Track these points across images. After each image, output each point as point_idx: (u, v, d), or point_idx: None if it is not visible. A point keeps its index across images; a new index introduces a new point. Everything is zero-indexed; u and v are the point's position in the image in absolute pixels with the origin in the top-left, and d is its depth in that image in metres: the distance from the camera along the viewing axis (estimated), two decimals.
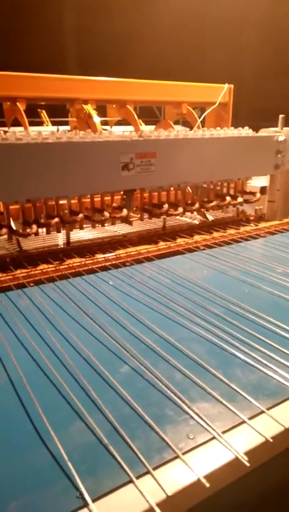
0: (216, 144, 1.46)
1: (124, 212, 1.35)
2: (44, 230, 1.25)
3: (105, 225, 1.37)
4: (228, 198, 1.59)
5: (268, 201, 1.74)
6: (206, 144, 1.44)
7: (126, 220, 1.39)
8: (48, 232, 1.26)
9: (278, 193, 1.72)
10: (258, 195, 1.65)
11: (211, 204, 1.56)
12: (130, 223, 1.42)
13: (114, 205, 1.36)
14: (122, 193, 1.36)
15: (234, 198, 1.61)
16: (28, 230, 1.20)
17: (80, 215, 1.28)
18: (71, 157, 1.17)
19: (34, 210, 1.22)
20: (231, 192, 1.63)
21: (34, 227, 1.20)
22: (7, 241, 1.27)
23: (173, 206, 1.46)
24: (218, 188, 1.61)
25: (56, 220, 1.24)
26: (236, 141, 1.52)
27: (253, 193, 1.65)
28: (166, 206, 1.43)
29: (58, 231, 1.29)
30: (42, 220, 1.23)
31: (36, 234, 1.22)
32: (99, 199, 1.32)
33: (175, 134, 1.37)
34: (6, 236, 1.19)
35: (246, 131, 1.56)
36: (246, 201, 1.65)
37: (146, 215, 1.44)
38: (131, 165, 1.26)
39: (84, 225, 1.33)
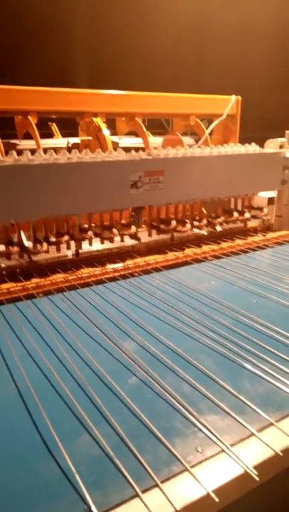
0: (224, 161, 1.48)
1: (133, 229, 1.37)
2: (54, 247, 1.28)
3: (114, 241, 1.40)
4: (235, 214, 1.61)
5: (276, 216, 1.75)
6: (214, 162, 1.46)
7: (134, 237, 1.41)
8: (58, 250, 1.29)
9: (285, 207, 1.73)
10: (265, 210, 1.68)
11: (219, 220, 1.59)
12: (139, 239, 1.44)
13: (122, 221, 1.38)
14: (130, 209, 1.38)
15: (241, 213, 1.63)
16: (38, 248, 1.23)
17: (90, 233, 1.31)
18: (81, 176, 1.20)
19: (44, 227, 1.25)
20: (239, 204, 1.65)
21: (44, 245, 1.24)
22: (18, 257, 1.29)
23: (181, 222, 1.49)
24: (225, 200, 1.63)
25: (66, 237, 1.28)
26: (243, 158, 1.54)
27: (261, 209, 1.68)
28: (174, 223, 1.46)
29: (68, 248, 1.32)
30: (52, 239, 1.26)
31: (47, 251, 1.26)
32: (108, 216, 1.35)
33: (183, 152, 1.40)
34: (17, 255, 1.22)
35: (253, 148, 1.58)
36: (254, 217, 1.68)
37: (154, 232, 1.47)
38: (140, 183, 1.29)
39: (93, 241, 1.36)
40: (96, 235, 1.33)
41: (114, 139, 1.79)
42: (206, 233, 1.65)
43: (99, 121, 1.54)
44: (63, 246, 1.36)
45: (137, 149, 1.38)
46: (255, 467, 0.54)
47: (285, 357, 0.79)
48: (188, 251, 1.45)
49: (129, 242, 1.51)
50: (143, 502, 0.49)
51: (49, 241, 1.25)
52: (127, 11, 7.42)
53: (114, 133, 1.81)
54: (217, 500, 0.49)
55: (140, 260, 1.34)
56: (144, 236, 1.51)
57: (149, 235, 1.47)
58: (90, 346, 0.83)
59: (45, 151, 1.20)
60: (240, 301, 1.05)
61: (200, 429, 0.60)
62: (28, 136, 1.49)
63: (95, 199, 1.24)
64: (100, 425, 0.61)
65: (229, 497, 0.53)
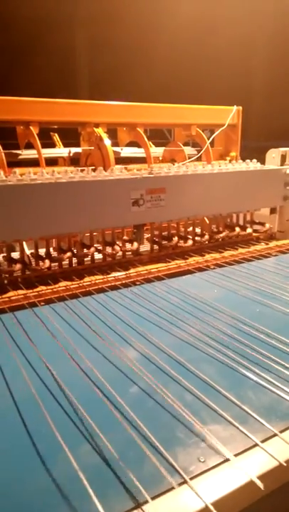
0: (225, 178, 1.50)
1: (135, 245, 1.38)
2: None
3: (116, 257, 1.40)
4: (237, 229, 1.62)
5: (278, 231, 1.75)
6: (215, 179, 1.47)
7: (136, 253, 1.41)
8: (60, 267, 1.29)
9: (288, 223, 1.74)
10: (267, 225, 1.69)
11: (221, 235, 1.60)
12: (140, 255, 1.44)
13: (124, 237, 1.38)
14: (132, 226, 1.39)
15: (243, 229, 1.63)
16: (41, 265, 1.23)
17: (92, 249, 1.32)
18: (83, 195, 1.22)
19: (46, 244, 1.26)
20: (241, 218, 1.66)
21: (47, 262, 1.24)
22: (20, 277, 1.29)
23: (182, 238, 1.50)
24: (228, 219, 1.64)
25: (68, 254, 1.28)
26: (244, 175, 1.55)
27: (262, 224, 1.69)
28: (175, 239, 1.47)
29: (70, 265, 1.31)
30: (54, 256, 1.27)
31: (49, 268, 1.25)
32: (110, 232, 1.36)
33: (184, 170, 1.42)
34: (19, 272, 1.23)
35: (254, 165, 1.59)
36: (255, 231, 1.69)
37: (156, 247, 1.48)
38: (141, 201, 1.30)
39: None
40: (98, 251, 1.35)
41: (116, 149, 1.81)
42: (207, 242, 1.65)
43: (100, 131, 1.55)
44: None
45: (138, 159, 1.39)
46: (259, 478, 0.53)
47: (288, 366, 0.78)
48: (191, 260, 1.44)
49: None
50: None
51: (51, 258, 1.26)
52: (127, 22, 7.54)
53: (115, 143, 1.82)
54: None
55: (142, 269, 1.34)
56: (147, 243, 1.51)
57: (151, 251, 1.48)
58: (92, 355, 0.83)
59: (46, 161, 1.21)
60: (243, 309, 1.04)
61: (203, 439, 0.59)
62: (29, 146, 1.50)
63: (97, 217, 1.26)
64: (102, 435, 0.60)
65: (232, 508, 0.52)
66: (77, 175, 1.22)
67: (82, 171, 1.25)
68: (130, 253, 1.41)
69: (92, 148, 1.62)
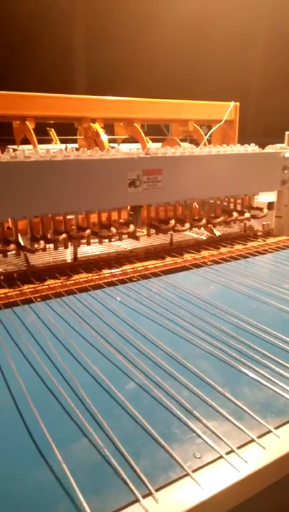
0: (222, 160, 1.47)
1: (131, 228, 1.35)
2: (52, 245, 1.26)
3: (112, 240, 1.38)
4: (235, 214, 1.59)
5: (276, 217, 1.74)
6: (212, 161, 1.45)
7: (133, 236, 1.39)
8: (55, 248, 1.27)
9: (286, 208, 1.72)
10: (265, 210, 1.66)
11: (218, 220, 1.56)
12: (137, 239, 1.43)
13: (121, 220, 1.37)
14: (129, 208, 1.37)
15: (241, 213, 1.62)
16: (35, 246, 1.21)
17: (88, 231, 1.29)
18: (79, 174, 1.19)
19: (42, 225, 1.23)
20: (238, 207, 1.64)
21: (42, 242, 1.21)
22: (15, 256, 1.27)
23: (180, 222, 1.47)
24: (225, 203, 1.62)
25: (64, 235, 1.25)
26: (242, 157, 1.53)
27: (260, 209, 1.66)
28: (172, 222, 1.43)
29: (66, 247, 1.29)
30: (49, 236, 1.24)
31: (44, 249, 1.23)
32: (106, 214, 1.33)
33: (181, 151, 1.39)
34: (14, 251, 1.20)
35: (252, 148, 1.57)
36: (253, 217, 1.65)
37: (153, 231, 1.45)
38: (138, 182, 1.28)
39: (91, 240, 1.33)
40: (94, 233, 1.32)
41: (113, 145, 1.80)
42: (205, 238, 1.65)
43: (97, 126, 1.54)
44: (62, 251, 1.35)
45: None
46: (255, 474, 0.53)
47: (284, 363, 0.78)
48: (187, 256, 1.44)
49: (127, 246, 1.50)
50: (144, 508, 0.48)
51: (46, 239, 1.23)
52: (125, 17, 7.50)
53: (112, 138, 1.81)
54: (215, 506, 0.48)
55: (138, 265, 1.34)
56: (143, 238, 1.50)
57: (148, 235, 1.46)
58: (88, 351, 0.83)
59: None
60: (239, 306, 1.04)
61: (198, 435, 0.60)
62: (26, 141, 1.49)
63: (93, 197, 1.24)
64: (98, 431, 0.60)
65: (228, 503, 0.52)
66: (72, 153, 1.20)
67: (77, 149, 1.23)
68: (126, 236, 1.39)
69: (89, 143, 1.61)
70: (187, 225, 1.47)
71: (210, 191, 1.49)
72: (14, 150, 1.48)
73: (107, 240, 1.35)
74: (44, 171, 1.13)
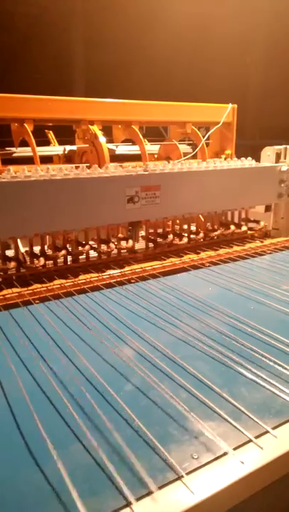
0: (219, 175, 1.50)
1: (130, 243, 1.38)
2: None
3: (111, 255, 1.40)
4: (232, 227, 1.62)
5: (273, 229, 1.76)
6: (210, 176, 1.48)
7: (131, 251, 1.41)
8: (55, 264, 1.29)
9: (282, 220, 1.74)
10: (262, 223, 1.70)
11: (216, 233, 1.60)
12: (136, 253, 1.44)
13: (120, 235, 1.38)
14: (127, 223, 1.39)
15: (238, 226, 1.64)
16: (35, 263, 1.23)
17: (87, 247, 1.32)
18: (78, 192, 1.21)
19: (41, 241, 1.26)
20: (236, 216, 1.67)
21: (42, 259, 1.24)
22: (15, 275, 1.28)
23: (178, 236, 1.50)
24: (222, 217, 1.65)
25: (63, 252, 1.28)
26: (239, 172, 1.55)
27: (257, 221, 1.70)
28: (170, 237, 1.47)
29: (65, 263, 1.31)
30: (49, 253, 1.27)
31: (44, 266, 1.25)
32: (105, 231, 1.36)
33: (179, 168, 1.41)
34: (14, 269, 1.22)
35: (249, 162, 1.59)
36: (250, 229, 1.70)
37: (151, 245, 1.48)
38: (136, 198, 1.30)
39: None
40: (93, 249, 1.34)
41: (111, 146, 1.80)
42: (202, 240, 1.66)
43: (95, 128, 1.55)
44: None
45: (133, 157, 1.39)
46: (253, 474, 0.53)
47: (282, 363, 0.78)
48: (186, 257, 1.44)
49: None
50: (140, 510, 0.48)
51: (46, 255, 1.26)
52: (124, 19, 7.52)
53: (110, 140, 1.82)
54: (212, 507, 0.48)
55: (137, 267, 1.34)
56: (142, 240, 1.51)
57: (146, 248, 1.48)
58: (86, 353, 0.83)
59: (41, 159, 1.21)
60: (237, 307, 1.04)
61: (196, 436, 0.60)
62: (24, 143, 1.49)
63: (92, 214, 1.26)
64: (95, 432, 0.60)
65: (225, 504, 0.52)
66: (72, 172, 1.21)
67: (76, 168, 1.25)
68: (125, 251, 1.41)
69: (88, 145, 1.62)
70: (185, 240, 1.50)
71: (207, 206, 1.52)
72: (12, 152, 1.49)
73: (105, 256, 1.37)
74: (44, 190, 1.16)
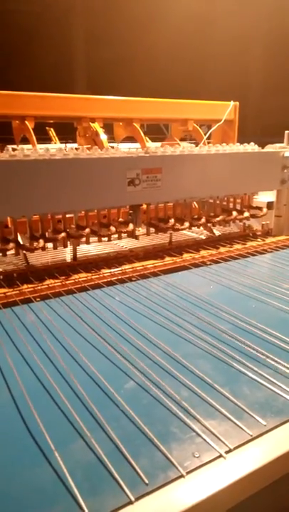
0: (222, 159, 1.47)
1: (131, 227, 1.35)
2: (51, 244, 1.26)
3: (112, 239, 1.38)
4: (234, 213, 1.59)
5: (275, 216, 1.73)
6: (212, 160, 1.45)
7: (132, 235, 1.39)
8: (54, 247, 1.27)
9: (285, 207, 1.72)
10: (265, 210, 1.66)
11: (218, 219, 1.56)
12: (137, 238, 1.42)
13: (120, 219, 1.36)
14: (128, 207, 1.37)
15: (240, 212, 1.62)
16: (35, 245, 1.21)
17: (87, 230, 1.29)
18: (78, 173, 1.19)
19: (41, 224, 1.23)
20: (238, 207, 1.64)
21: (41, 241, 1.21)
22: (14, 256, 1.27)
23: (179, 221, 1.47)
24: (224, 203, 1.62)
25: (63, 234, 1.25)
26: (242, 156, 1.53)
27: (260, 208, 1.66)
28: (172, 221, 1.43)
29: (65, 246, 1.29)
30: (49, 235, 1.24)
31: (43, 248, 1.23)
32: (105, 213, 1.33)
33: (181, 150, 1.39)
34: (13, 250, 1.20)
35: (252, 147, 1.57)
36: (253, 216, 1.65)
37: (152, 230, 1.45)
38: (137, 180, 1.27)
39: (90, 240, 1.33)
40: (93, 232, 1.31)
41: (112, 144, 1.80)
42: (204, 237, 1.65)
43: (96, 126, 1.54)
44: (61, 250, 1.35)
45: None
46: (254, 473, 0.53)
47: (283, 362, 0.78)
48: (187, 255, 1.44)
49: (126, 245, 1.50)
50: (141, 508, 0.48)
51: (46, 238, 1.23)
52: (125, 17, 7.50)
53: (111, 138, 1.81)
54: (214, 506, 0.48)
55: (138, 265, 1.33)
56: (143, 238, 1.49)
57: (148, 233, 1.45)
58: (87, 351, 0.83)
59: None
60: (238, 306, 1.04)
61: (198, 434, 0.59)
62: (25, 141, 1.49)
63: (92, 196, 1.23)
64: (96, 431, 0.60)
65: (227, 503, 0.52)
66: (72, 152, 1.19)
67: (77, 149, 1.23)
68: (126, 234, 1.38)
69: (90, 146, 1.61)
70: (186, 224, 1.47)
71: (209, 190, 1.49)
72: (14, 149, 1.48)
73: (106, 239, 1.35)
74: (43, 170, 1.13)
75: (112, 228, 1.32)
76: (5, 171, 1.08)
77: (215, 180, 1.47)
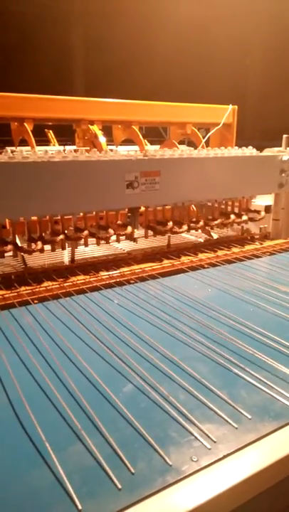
0: (220, 163, 1.48)
1: (129, 229, 1.35)
2: (49, 246, 1.26)
3: (110, 241, 1.38)
4: (232, 216, 1.59)
5: (273, 219, 1.74)
6: (210, 163, 1.45)
7: (131, 238, 1.39)
8: (53, 249, 1.27)
9: (283, 211, 1.73)
10: (263, 213, 1.66)
11: (216, 222, 1.56)
12: (135, 240, 1.42)
13: (118, 222, 1.36)
14: (126, 210, 1.37)
15: (239, 216, 1.62)
16: (33, 247, 1.20)
17: (85, 232, 1.29)
18: (77, 175, 1.19)
19: (39, 226, 1.23)
20: (236, 210, 1.64)
21: (39, 243, 1.21)
22: (12, 257, 1.27)
23: (177, 224, 1.47)
24: (222, 206, 1.62)
25: (61, 237, 1.25)
26: (240, 160, 1.53)
27: (258, 212, 1.66)
28: (170, 224, 1.44)
29: (63, 248, 1.29)
30: (47, 237, 1.24)
31: (41, 251, 1.23)
32: (104, 215, 1.33)
33: (179, 153, 1.39)
34: (11, 252, 1.20)
35: (250, 151, 1.58)
36: (251, 219, 1.65)
37: (150, 233, 1.45)
38: (136, 183, 1.28)
39: (89, 242, 1.33)
40: (92, 234, 1.31)
41: (111, 146, 1.80)
42: (202, 240, 1.65)
43: (95, 128, 1.55)
44: (59, 250, 1.35)
45: None
46: (252, 477, 0.53)
47: (281, 366, 0.78)
48: (185, 259, 1.44)
49: (125, 248, 1.50)
50: (139, 511, 0.48)
51: (44, 240, 1.23)
52: (124, 20, 7.52)
53: (110, 140, 1.81)
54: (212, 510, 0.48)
55: (136, 267, 1.33)
56: (141, 240, 1.49)
57: (146, 236, 1.45)
58: (85, 354, 0.82)
59: None
60: (236, 309, 1.04)
61: (196, 438, 0.59)
62: (24, 143, 1.49)
63: (91, 199, 1.23)
64: (94, 434, 0.60)
65: (224, 507, 0.52)
66: (71, 154, 1.20)
67: (75, 151, 1.23)
68: (124, 237, 1.39)
69: (88, 148, 1.62)
70: (185, 227, 1.47)
71: (208, 193, 1.50)
72: (12, 151, 1.48)
73: (104, 242, 1.35)
74: (42, 172, 1.13)
75: (111, 231, 1.32)
76: (4, 173, 1.08)
77: (213, 183, 1.48)
